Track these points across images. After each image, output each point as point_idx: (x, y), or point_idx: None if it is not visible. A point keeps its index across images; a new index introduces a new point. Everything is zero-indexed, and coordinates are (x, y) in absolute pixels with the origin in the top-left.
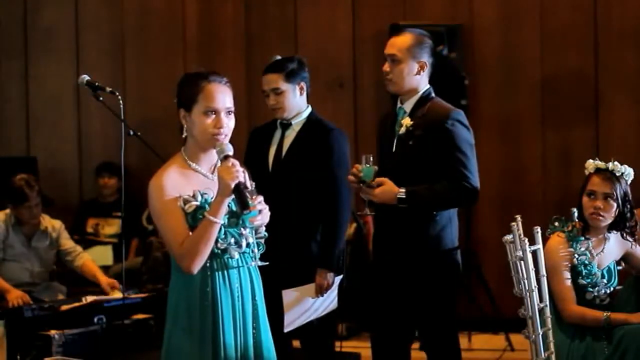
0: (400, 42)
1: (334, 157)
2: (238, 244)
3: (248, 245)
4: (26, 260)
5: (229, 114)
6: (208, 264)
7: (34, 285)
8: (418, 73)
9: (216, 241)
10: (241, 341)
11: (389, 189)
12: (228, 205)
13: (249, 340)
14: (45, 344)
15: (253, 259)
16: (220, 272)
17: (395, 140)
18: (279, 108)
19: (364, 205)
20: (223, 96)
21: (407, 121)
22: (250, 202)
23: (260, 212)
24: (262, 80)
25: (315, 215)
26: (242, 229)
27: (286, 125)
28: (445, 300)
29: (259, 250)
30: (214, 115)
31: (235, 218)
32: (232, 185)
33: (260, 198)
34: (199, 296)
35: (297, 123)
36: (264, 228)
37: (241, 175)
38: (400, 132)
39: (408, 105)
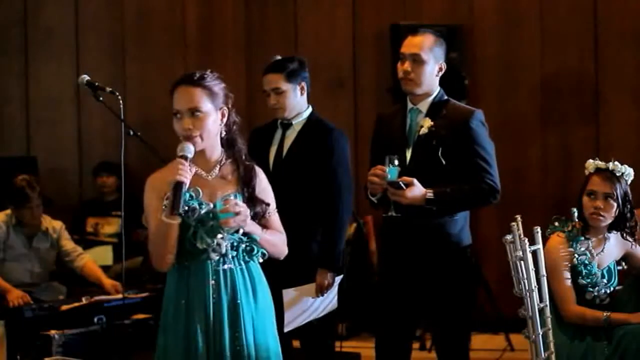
0: (422, 42)
1: (335, 157)
2: (216, 245)
3: (235, 247)
4: (27, 261)
5: (195, 115)
6: (187, 263)
7: (34, 285)
8: (437, 74)
9: (192, 243)
10: (214, 343)
11: (419, 190)
12: (199, 208)
13: (225, 342)
14: (45, 344)
15: (237, 262)
16: (195, 273)
17: (411, 141)
18: (279, 108)
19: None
20: (186, 97)
21: (427, 122)
22: (180, 206)
23: (239, 214)
24: (262, 81)
25: (316, 215)
26: (220, 231)
27: (287, 125)
28: (465, 296)
29: (253, 253)
30: (179, 117)
31: (213, 220)
32: (172, 185)
33: (236, 200)
34: (175, 294)
35: (298, 123)
36: (258, 229)
37: (183, 177)
38: (421, 132)
39: (424, 106)
